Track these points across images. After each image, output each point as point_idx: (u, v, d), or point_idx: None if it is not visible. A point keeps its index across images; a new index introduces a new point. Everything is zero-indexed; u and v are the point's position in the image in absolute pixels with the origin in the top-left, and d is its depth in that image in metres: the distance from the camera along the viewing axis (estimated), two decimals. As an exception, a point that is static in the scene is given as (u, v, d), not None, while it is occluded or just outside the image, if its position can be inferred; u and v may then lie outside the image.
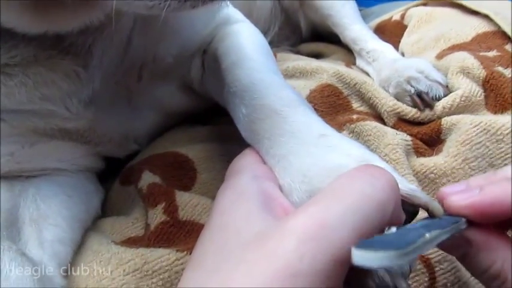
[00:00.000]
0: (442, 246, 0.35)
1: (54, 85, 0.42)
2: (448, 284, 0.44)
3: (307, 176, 0.35)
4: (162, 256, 0.40)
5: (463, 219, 0.33)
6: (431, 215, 0.34)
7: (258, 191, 0.34)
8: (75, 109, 0.44)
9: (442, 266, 0.44)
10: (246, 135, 0.41)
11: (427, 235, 0.29)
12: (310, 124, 0.38)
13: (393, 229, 0.32)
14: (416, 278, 0.43)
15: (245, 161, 0.38)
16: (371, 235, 0.30)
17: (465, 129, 0.49)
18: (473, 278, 0.44)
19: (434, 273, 0.44)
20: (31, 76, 0.41)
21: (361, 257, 0.26)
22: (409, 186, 0.34)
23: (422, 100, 0.54)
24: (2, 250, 0.37)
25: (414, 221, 0.35)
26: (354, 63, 0.72)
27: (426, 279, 0.43)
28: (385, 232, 0.32)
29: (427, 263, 0.43)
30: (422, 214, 0.35)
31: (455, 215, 0.33)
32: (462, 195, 0.34)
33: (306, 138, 0.37)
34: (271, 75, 0.44)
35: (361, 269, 0.32)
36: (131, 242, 0.44)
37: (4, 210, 0.41)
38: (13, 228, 0.41)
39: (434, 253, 0.44)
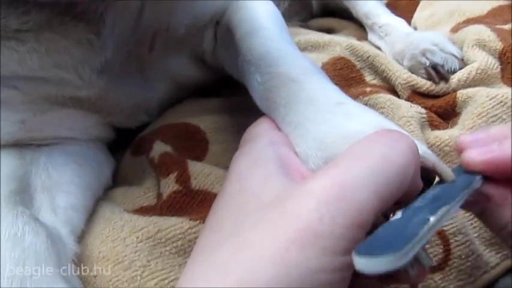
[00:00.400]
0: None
1: (67, 52, 0.42)
2: (463, 256, 0.43)
3: (324, 143, 0.34)
4: (176, 224, 0.40)
5: (478, 177, 0.33)
6: (442, 180, 0.33)
7: (275, 156, 0.34)
8: (88, 77, 0.44)
9: (456, 238, 0.43)
10: (261, 103, 0.40)
11: (432, 219, 0.28)
12: (327, 92, 0.38)
13: (398, 214, 0.31)
14: (431, 249, 0.43)
15: (260, 128, 0.38)
16: (391, 200, 0.29)
17: (481, 101, 0.49)
18: (488, 250, 0.44)
19: (449, 245, 0.43)
20: (43, 42, 0.40)
21: (363, 265, 0.26)
22: (422, 148, 0.34)
23: (438, 73, 0.53)
24: (15, 215, 0.36)
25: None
26: (366, 39, 0.71)
27: (440, 250, 0.43)
28: (390, 219, 0.31)
29: (442, 235, 0.43)
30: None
31: (471, 171, 0.33)
32: (480, 150, 0.33)
33: (322, 105, 0.36)
34: (286, 45, 0.43)
35: None
36: (143, 211, 0.44)
37: (15, 177, 0.41)
38: (25, 195, 0.40)
39: (449, 225, 0.43)
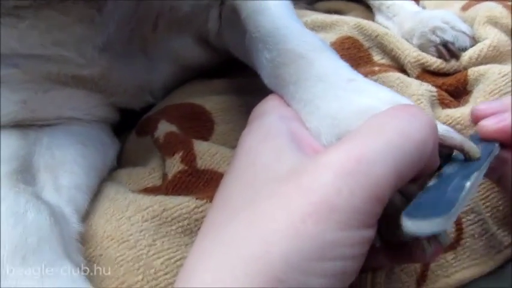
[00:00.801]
0: None
1: (68, 29, 0.41)
2: (476, 236, 0.42)
3: (336, 119, 0.34)
4: (182, 203, 0.39)
5: (497, 144, 0.33)
6: (467, 156, 0.33)
7: (286, 130, 0.33)
8: (90, 55, 0.43)
9: (469, 217, 0.42)
10: (269, 81, 0.39)
11: (467, 184, 0.29)
12: (337, 69, 0.37)
13: (433, 181, 0.31)
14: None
15: (269, 105, 0.37)
16: (408, 176, 0.29)
17: (493, 79, 0.47)
18: (501, 230, 0.43)
19: (461, 224, 0.42)
20: (43, 19, 0.40)
21: (412, 227, 0.26)
22: (443, 127, 0.33)
23: (448, 50, 0.52)
24: (17, 192, 0.36)
25: None
26: (373, 20, 0.70)
27: (453, 229, 0.42)
28: (426, 186, 0.30)
29: (454, 214, 0.42)
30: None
31: (487, 140, 0.34)
32: (494, 120, 0.34)
33: (333, 82, 0.36)
34: (294, 23, 0.43)
35: (391, 211, 0.31)
36: (148, 192, 0.43)
37: (17, 156, 0.40)
38: (27, 174, 0.39)
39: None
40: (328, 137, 0.33)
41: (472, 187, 0.29)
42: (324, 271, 0.26)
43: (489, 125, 0.33)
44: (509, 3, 0.55)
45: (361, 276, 0.40)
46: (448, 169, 0.32)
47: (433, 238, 0.32)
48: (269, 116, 0.35)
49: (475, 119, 0.35)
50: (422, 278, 0.41)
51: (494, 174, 0.34)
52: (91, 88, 0.46)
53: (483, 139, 0.34)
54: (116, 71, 0.46)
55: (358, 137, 0.29)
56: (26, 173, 0.39)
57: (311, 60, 0.37)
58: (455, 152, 0.34)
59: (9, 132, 0.42)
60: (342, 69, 0.37)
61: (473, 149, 0.33)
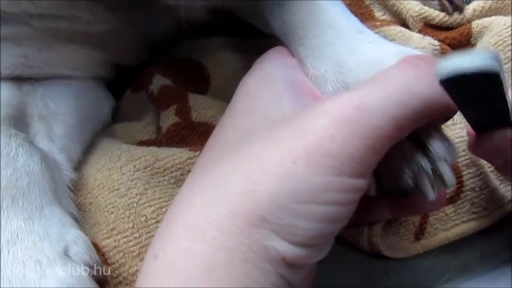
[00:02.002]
0: (479, 150, 0.33)
1: None
2: (476, 189, 0.42)
3: (344, 67, 0.33)
4: (174, 154, 0.39)
5: None
6: None
7: (286, 77, 0.33)
8: (99, 13, 0.42)
9: (470, 171, 0.41)
10: (277, 26, 0.38)
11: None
12: (349, 20, 0.37)
13: None
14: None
15: (272, 53, 0.36)
16: (411, 129, 0.28)
17: (497, 30, 0.46)
18: (503, 185, 0.42)
19: (462, 177, 0.41)
20: None
21: (457, 62, 0.23)
22: None
23: (451, 3, 0.50)
24: (9, 136, 0.35)
25: None
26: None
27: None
28: None
29: (455, 167, 0.41)
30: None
31: None
32: None
33: (344, 31, 0.36)
34: None
35: (396, 159, 0.30)
36: (143, 145, 0.42)
37: (11, 104, 0.39)
38: (20, 122, 0.39)
39: (462, 157, 0.41)
40: (334, 84, 0.33)
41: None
42: (312, 215, 0.25)
43: None
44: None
45: (357, 230, 0.40)
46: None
47: (437, 178, 0.31)
48: (270, 62, 0.34)
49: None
50: (420, 231, 0.41)
51: (499, 159, 0.33)
52: (95, 45, 0.45)
53: None
54: (121, 26, 0.45)
55: (362, 87, 0.28)
56: (19, 121, 0.39)
57: (323, 7, 0.37)
58: None
59: (3, 82, 0.41)
60: (353, 21, 0.37)
61: None
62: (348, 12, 0.39)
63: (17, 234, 0.31)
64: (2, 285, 0.30)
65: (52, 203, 0.34)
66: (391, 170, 0.31)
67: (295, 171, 0.25)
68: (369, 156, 0.26)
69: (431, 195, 0.30)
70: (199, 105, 0.43)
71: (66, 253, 0.32)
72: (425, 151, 0.31)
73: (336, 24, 0.36)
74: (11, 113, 0.39)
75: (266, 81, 0.33)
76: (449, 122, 0.41)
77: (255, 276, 0.25)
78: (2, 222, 0.32)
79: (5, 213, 0.32)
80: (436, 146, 0.30)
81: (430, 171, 0.30)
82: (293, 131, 0.27)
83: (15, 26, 0.40)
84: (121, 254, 0.34)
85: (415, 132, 0.30)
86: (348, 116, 0.26)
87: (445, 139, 0.31)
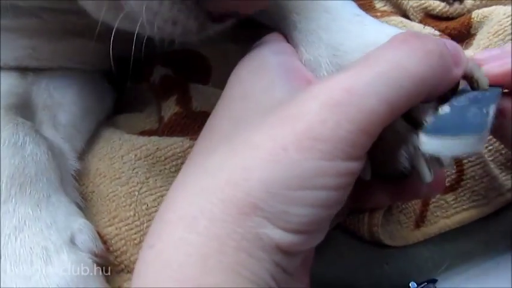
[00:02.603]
0: None
1: None
2: (476, 177, 0.42)
3: (340, 50, 0.33)
4: (175, 143, 0.39)
5: (500, 89, 0.31)
6: (475, 85, 0.31)
7: (280, 63, 0.32)
8: None
9: (470, 159, 0.42)
10: (273, 11, 0.38)
11: (490, 112, 0.27)
12: (345, 3, 0.37)
13: (446, 108, 0.29)
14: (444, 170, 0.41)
15: (266, 40, 0.36)
16: (405, 109, 0.27)
17: (497, 19, 0.46)
18: (503, 174, 0.42)
19: (462, 165, 0.42)
20: None
21: (433, 145, 0.24)
22: None
23: (452, -7, 0.50)
24: (16, 124, 0.35)
25: None
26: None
27: (454, 171, 0.41)
28: (439, 112, 0.29)
29: (455, 155, 0.41)
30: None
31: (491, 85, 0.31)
32: (497, 63, 0.31)
33: (339, 14, 0.35)
34: None
35: (391, 140, 0.30)
36: (145, 134, 0.43)
37: (16, 93, 0.40)
38: (26, 110, 0.39)
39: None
40: (329, 67, 0.33)
41: (491, 118, 0.26)
42: (305, 200, 0.25)
43: (492, 67, 0.31)
44: None
45: (358, 218, 0.40)
46: (457, 101, 0.30)
47: (435, 161, 0.30)
48: (264, 48, 0.34)
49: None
50: (421, 218, 0.41)
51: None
52: (102, 39, 0.45)
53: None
54: None
55: (352, 68, 0.27)
56: (24, 109, 0.39)
57: None
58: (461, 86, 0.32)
59: (8, 71, 0.41)
60: (349, 5, 0.37)
61: (483, 78, 0.31)
62: None
63: (25, 221, 0.32)
64: (9, 271, 0.30)
65: (58, 191, 0.34)
66: (387, 152, 0.30)
67: (287, 158, 0.25)
68: (362, 139, 0.26)
69: (428, 176, 0.30)
70: (200, 95, 0.43)
71: (72, 241, 0.32)
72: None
73: (332, 8, 0.36)
74: (16, 102, 0.39)
75: (259, 68, 0.32)
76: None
77: (249, 264, 0.25)
78: (10, 209, 0.32)
79: (13, 200, 0.32)
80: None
81: (427, 155, 0.29)
82: (283, 117, 0.27)
83: (26, 18, 0.40)
84: (123, 241, 0.35)
85: (409, 112, 0.29)
86: (339, 100, 0.26)
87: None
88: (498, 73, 0.31)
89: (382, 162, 0.31)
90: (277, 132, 0.26)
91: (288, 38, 0.36)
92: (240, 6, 0.31)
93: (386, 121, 0.27)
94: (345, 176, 0.26)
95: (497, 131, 0.32)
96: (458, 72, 0.29)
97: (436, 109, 0.30)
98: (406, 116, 0.30)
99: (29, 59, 0.42)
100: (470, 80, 0.31)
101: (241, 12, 0.31)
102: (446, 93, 0.31)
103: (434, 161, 0.30)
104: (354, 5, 0.38)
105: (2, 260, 0.30)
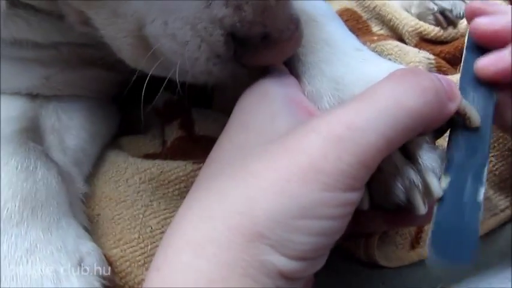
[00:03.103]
0: None
1: None
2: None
3: (341, 84, 0.35)
4: (178, 167, 0.41)
5: (495, 96, 0.33)
6: (467, 122, 0.32)
7: (283, 94, 0.34)
8: None
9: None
10: None
11: (480, 199, 0.29)
12: (346, 37, 0.39)
13: (444, 183, 0.30)
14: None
15: (271, 71, 0.37)
16: (401, 142, 0.29)
17: (490, 44, 0.47)
18: (497, 194, 0.44)
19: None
20: None
21: (437, 263, 0.28)
22: None
23: (446, 18, 0.52)
24: (27, 149, 0.37)
25: None
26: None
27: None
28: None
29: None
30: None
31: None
32: (492, 59, 0.33)
33: (340, 48, 0.37)
34: None
35: (389, 172, 0.31)
36: (148, 157, 0.44)
37: (26, 117, 0.41)
38: (35, 134, 0.41)
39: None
40: (331, 100, 0.34)
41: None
42: (308, 229, 0.27)
43: (486, 66, 0.32)
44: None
45: (355, 242, 0.41)
46: (457, 154, 0.31)
47: (426, 192, 0.31)
48: (268, 80, 0.35)
49: (469, 17, 0.34)
50: (416, 240, 0.42)
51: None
52: (112, 68, 0.46)
53: (480, 81, 0.33)
54: None
55: (351, 104, 0.29)
56: (34, 133, 0.41)
57: (322, 24, 0.38)
58: None
59: (18, 95, 0.43)
60: (350, 39, 0.39)
61: (475, 117, 0.32)
62: (346, 29, 0.40)
63: (36, 244, 0.33)
64: None
65: (68, 215, 0.36)
66: (384, 185, 0.32)
67: (290, 189, 0.27)
68: (361, 171, 0.27)
69: (423, 209, 0.31)
70: (202, 119, 0.45)
71: (80, 264, 0.34)
72: (415, 163, 0.32)
73: (333, 42, 0.37)
74: (27, 126, 0.40)
75: (263, 98, 0.34)
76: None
77: None
78: (23, 232, 0.33)
79: (25, 223, 0.34)
80: (426, 159, 0.32)
81: (421, 186, 0.31)
82: (286, 150, 0.28)
83: (43, 50, 0.42)
84: (127, 263, 0.36)
85: (406, 145, 0.31)
86: (339, 134, 0.27)
87: (434, 151, 0.32)
88: (494, 72, 0.32)
89: (379, 193, 0.32)
90: (281, 164, 0.28)
91: (291, 69, 0.38)
92: (273, 59, 0.34)
93: (384, 154, 0.28)
94: (345, 206, 0.28)
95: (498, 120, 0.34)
96: (452, 107, 0.31)
97: (432, 142, 0.32)
98: (402, 149, 0.31)
99: (42, 88, 0.44)
100: (463, 116, 0.32)
101: (274, 63, 0.35)
102: (442, 126, 0.32)
103: (429, 193, 0.31)
104: (354, 38, 0.39)
105: (13, 282, 0.32)
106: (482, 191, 0.29)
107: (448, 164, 0.31)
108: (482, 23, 0.33)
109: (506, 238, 0.43)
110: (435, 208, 0.30)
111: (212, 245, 0.26)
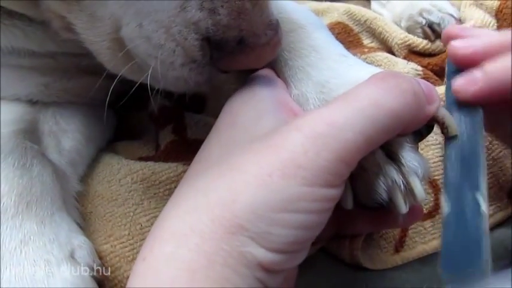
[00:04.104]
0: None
1: None
2: (453, 205, 0.44)
3: (326, 87, 0.36)
4: (170, 168, 0.42)
5: (480, 111, 0.34)
6: (445, 131, 0.33)
7: (270, 95, 0.35)
8: None
9: (447, 188, 0.44)
10: None
11: (483, 209, 0.30)
12: (332, 44, 0.40)
13: (445, 207, 0.31)
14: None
15: (259, 74, 0.39)
16: (380, 142, 0.30)
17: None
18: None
19: (440, 193, 0.43)
20: None
21: (452, 279, 0.28)
22: None
23: (434, 31, 0.54)
24: (24, 148, 0.39)
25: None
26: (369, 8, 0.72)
27: (431, 199, 0.44)
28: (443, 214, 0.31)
29: (433, 184, 0.44)
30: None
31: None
32: (467, 82, 0.34)
33: (327, 54, 0.38)
34: (296, 4, 0.46)
35: (370, 168, 0.33)
36: (142, 160, 0.45)
37: (24, 120, 0.43)
38: (33, 135, 0.43)
39: (440, 174, 0.44)
40: (316, 102, 0.36)
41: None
42: (288, 223, 0.28)
43: (463, 89, 0.34)
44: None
45: (339, 242, 0.42)
46: (452, 174, 0.32)
47: (409, 193, 0.33)
48: (256, 82, 0.37)
49: (446, 40, 0.36)
50: (400, 243, 0.43)
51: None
52: (109, 75, 0.48)
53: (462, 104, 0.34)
54: None
55: (333, 103, 0.30)
56: (32, 134, 0.43)
57: (309, 32, 0.40)
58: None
59: (18, 100, 0.45)
60: (336, 46, 0.40)
61: (453, 125, 0.33)
62: (332, 37, 0.42)
63: (30, 236, 0.35)
64: (14, 281, 0.33)
65: (61, 210, 0.37)
66: (367, 184, 0.33)
67: (271, 183, 0.28)
68: (340, 168, 0.28)
69: (403, 208, 0.32)
70: (194, 123, 0.47)
71: (72, 256, 0.35)
72: (397, 163, 0.33)
73: (320, 48, 0.39)
74: (25, 127, 0.42)
75: (251, 99, 0.35)
76: (430, 142, 0.44)
77: (233, 279, 0.27)
78: (17, 224, 0.35)
79: (20, 216, 0.35)
80: (408, 159, 0.33)
81: (402, 186, 0.32)
82: (270, 146, 0.29)
83: (41, 58, 0.44)
84: (117, 258, 0.37)
85: (388, 145, 0.32)
86: (320, 132, 0.28)
87: (416, 152, 0.33)
88: (471, 95, 0.33)
89: (363, 193, 0.34)
90: (263, 159, 0.29)
91: (278, 73, 0.39)
92: (250, 64, 0.34)
93: (363, 152, 0.29)
94: (324, 201, 0.29)
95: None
96: (431, 109, 0.32)
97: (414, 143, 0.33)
98: (385, 149, 0.33)
99: (40, 95, 0.46)
100: (442, 126, 0.33)
101: (251, 67, 0.35)
102: (421, 128, 0.33)
103: (410, 195, 0.32)
104: (340, 45, 0.41)
105: (7, 270, 0.33)
106: (484, 202, 0.30)
107: (446, 189, 0.31)
108: (458, 45, 0.35)
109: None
110: (442, 231, 0.30)
111: (195, 236, 0.27)
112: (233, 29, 0.31)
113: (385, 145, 0.32)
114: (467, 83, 0.34)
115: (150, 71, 0.33)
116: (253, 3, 0.31)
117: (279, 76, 0.39)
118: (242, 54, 0.32)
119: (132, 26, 0.33)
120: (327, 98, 0.36)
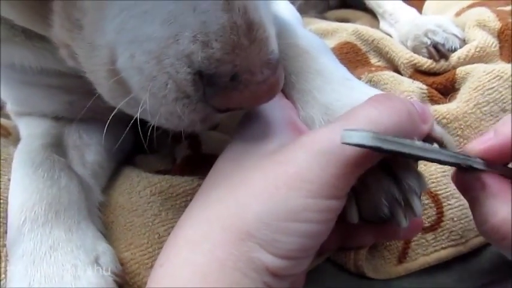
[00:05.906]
0: (456, 182, 0.37)
1: None
2: (455, 219, 0.45)
3: (330, 109, 0.38)
4: (186, 181, 0.45)
5: (480, 160, 0.35)
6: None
7: (280, 117, 0.38)
8: None
9: (449, 202, 0.45)
10: None
11: (417, 143, 0.32)
12: (337, 68, 0.42)
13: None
14: (425, 211, 0.45)
15: None
16: (378, 156, 0.32)
17: (478, 76, 0.51)
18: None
19: (442, 207, 0.45)
20: None
21: (345, 135, 0.29)
22: None
23: (438, 51, 0.56)
24: (52, 161, 0.42)
25: None
26: (378, 28, 0.74)
27: (434, 213, 0.45)
28: None
29: (435, 198, 0.45)
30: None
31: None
32: (479, 140, 0.36)
33: (331, 78, 0.40)
34: (301, 28, 0.48)
35: (373, 185, 0.35)
36: (159, 173, 0.48)
37: (50, 134, 0.47)
38: (58, 149, 0.46)
39: (442, 189, 0.46)
40: (322, 123, 0.38)
41: (420, 149, 0.31)
42: (293, 231, 0.30)
43: (474, 144, 0.36)
44: (499, 8, 0.58)
45: (345, 254, 0.44)
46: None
47: (408, 208, 0.35)
48: (268, 104, 0.38)
49: None
50: (403, 255, 0.45)
51: (469, 192, 0.37)
52: None
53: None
54: None
55: (335, 123, 0.33)
56: (58, 148, 0.46)
57: (315, 56, 0.42)
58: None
59: (44, 116, 0.49)
60: (340, 69, 0.42)
61: (451, 142, 0.36)
62: (336, 60, 0.44)
63: (59, 242, 0.38)
64: (44, 283, 0.36)
65: (87, 219, 0.40)
66: (371, 200, 0.35)
67: (278, 195, 0.30)
68: (342, 182, 0.31)
69: (404, 223, 0.35)
70: (209, 140, 0.49)
71: (96, 261, 0.38)
72: (398, 180, 0.35)
73: (325, 72, 0.41)
74: (52, 141, 0.46)
75: (262, 119, 0.37)
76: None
77: (243, 282, 0.30)
78: (47, 231, 0.38)
79: (49, 224, 0.38)
80: (406, 177, 0.35)
81: (402, 202, 0.35)
82: (277, 162, 0.32)
83: (68, 77, 0.46)
84: (136, 265, 0.40)
85: (389, 164, 0.35)
86: (323, 149, 0.31)
87: (414, 170, 0.36)
88: (479, 149, 0.35)
89: (366, 208, 0.36)
90: (271, 173, 0.31)
91: (287, 95, 0.41)
92: (244, 103, 0.32)
93: (364, 167, 0.32)
94: (327, 212, 0.31)
95: (472, 202, 0.36)
96: (425, 128, 0.34)
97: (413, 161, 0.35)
98: (386, 167, 0.35)
99: (65, 112, 0.49)
100: (440, 144, 0.36)
101: (246, 107, 0.34)
102: None
103: (409, 210, 0.35)
104: (344, 69, 0.43)
105: (37, 273, 0.36)
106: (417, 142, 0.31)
107: None
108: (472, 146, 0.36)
109: (490, 257, 0.46)
110: None
111: (208, 243, 0.30)
112: (226, 64, 0.29)
113: (386, 163, 0.35)
114: (479, 141, 0.36)
115: (142, 104, 0.32)
116: (251, 39, 0.30)
117: (287, 98, 0.41)
118: (235, 91, 0.30)
119: (126, 55, 0.31)
120: (331, 119, 0.38)
